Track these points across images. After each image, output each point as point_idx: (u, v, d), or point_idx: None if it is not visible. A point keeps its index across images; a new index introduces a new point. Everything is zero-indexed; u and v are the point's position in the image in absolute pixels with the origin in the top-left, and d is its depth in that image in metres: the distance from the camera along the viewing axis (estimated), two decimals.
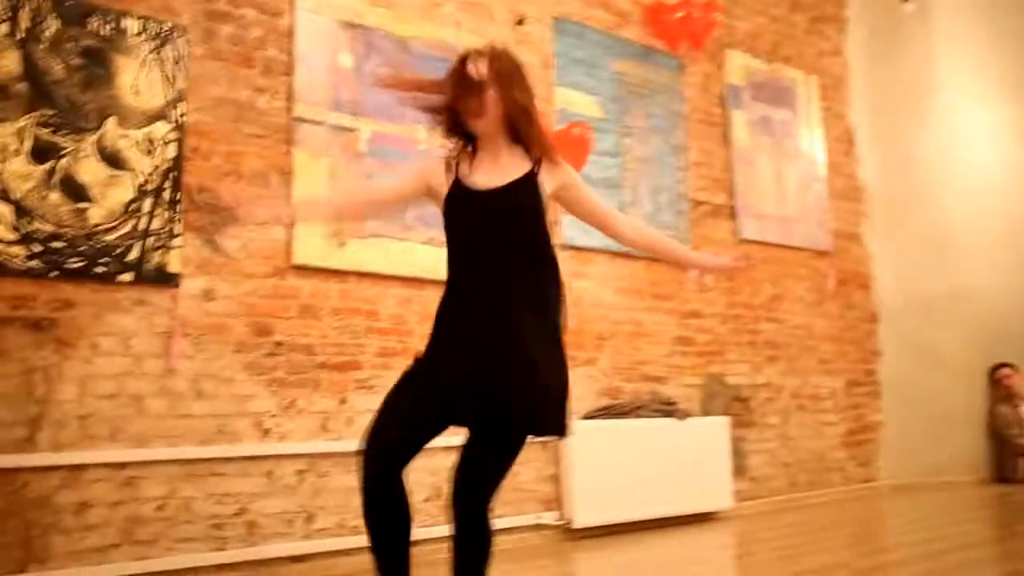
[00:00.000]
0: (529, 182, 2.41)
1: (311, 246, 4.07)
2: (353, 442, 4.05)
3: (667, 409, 5.08)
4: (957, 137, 7.80)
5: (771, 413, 5.93)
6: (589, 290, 5.07)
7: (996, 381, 7.34)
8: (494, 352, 2.28)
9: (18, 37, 3.49)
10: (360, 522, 3.97)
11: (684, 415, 5.13)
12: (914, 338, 7.00)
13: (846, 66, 7.08)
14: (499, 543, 4.30)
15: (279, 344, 3.94)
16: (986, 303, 7.63)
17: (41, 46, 3.54)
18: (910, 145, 7.40)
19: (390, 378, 4.16)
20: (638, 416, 4.94)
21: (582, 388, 4.94)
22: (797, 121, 6.58)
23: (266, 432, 3.86)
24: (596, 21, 5.38)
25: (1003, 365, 7.37)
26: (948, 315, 7.26)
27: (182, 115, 3.83)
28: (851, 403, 6.56)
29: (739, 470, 5.54)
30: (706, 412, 5.48)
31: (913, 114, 7.45)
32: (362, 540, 3.95)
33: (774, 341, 6.06)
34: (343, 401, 4.08)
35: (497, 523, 4.40)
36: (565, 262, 4.94)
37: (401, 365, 4.21)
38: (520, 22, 5.01)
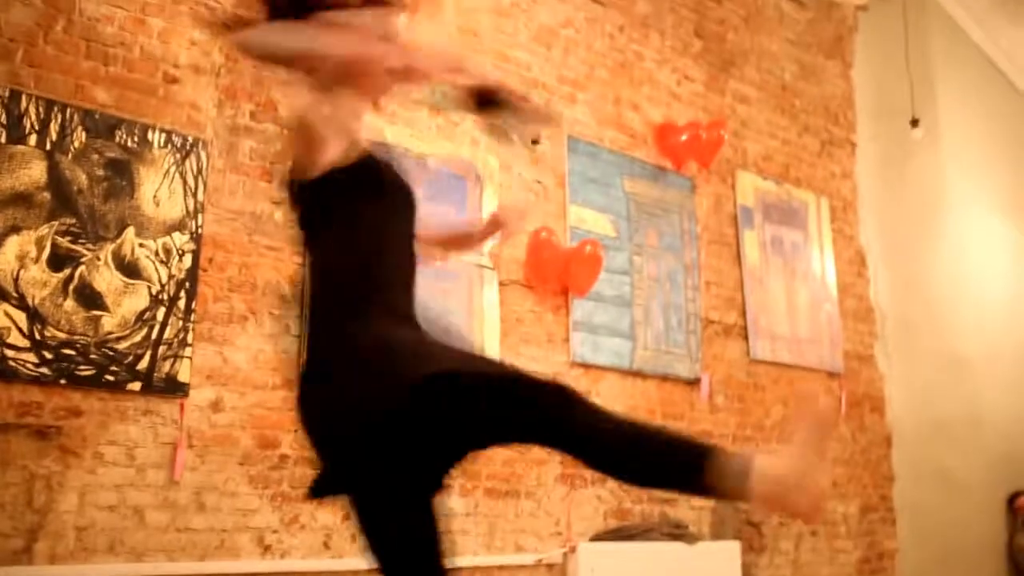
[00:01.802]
0: None
1: None
2: (355, 559, 3.97)
3: (677, 532, 4.97)
4: (969, 258, 7.82)
5: (783, 538, 5.78)
6: None
7: (1015, 509, 7.18)
8: None
9: (46, 148, 3.57)
10: None
11: (694, 539, 5.00)
12: (929, 463, 6.88)
13: (856, 189, 7.16)
14: None
15: (284, 457, 3.90)
16: (1003, 427, 7.52)
17: (67, 157, 3.61)
18: (922, 266, 7.42)
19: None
20: (647, 539, 4.82)
21: (590, 509, 4.85)
22: (808, 242, 6.62)
23: (267, 548, 3.78)
24: (609, 141, 5.48)
25: (1022, 493, 7.22)
26: (964, 440, 7.15)
27: (200, 226, 3.87)
28: (865, 529, 6.41)
29: None
30: (717, 536, 5.35)
31: (924, 235, 7.49)
32: None
33: None
34: (346, 517, 4.00)
35: None
36: (575, 379, 4.93)
37: None
38: (535, 141, 5.11)
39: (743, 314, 5.97)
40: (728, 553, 5.17)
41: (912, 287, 7.27)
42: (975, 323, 7.70)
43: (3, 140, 3.49)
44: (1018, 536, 7.04)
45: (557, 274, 4.89)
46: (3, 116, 3.50)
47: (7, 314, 3.38)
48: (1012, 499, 7.20)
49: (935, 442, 6.95)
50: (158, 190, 3.81)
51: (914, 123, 7.17)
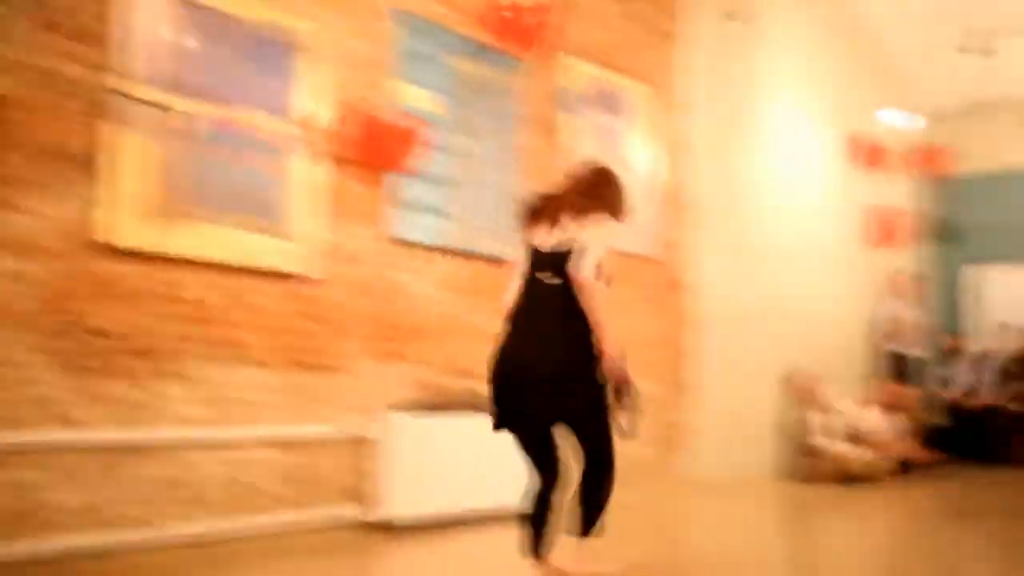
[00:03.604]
0: None
1: (123, 227, 3.91)
2: (159, 431, 3.94)
3: (482, 405, 5.13)
4: (778, 152, 8.25)
5: None
6: (410, 284, 5.08)
7: (796, 387, 7.83)
8: None
9: None
10: (161, 516, 3.88)
11: None
12: (728, 344, 7.35)
13: (677, 79, 7.32)
14: (302, 539, 4.29)
15: (82, 329, 3.77)
16: (791, 314, 8.12)
17: None
18: (735, 158, 7.76)
19: (198, 366, 4.06)
20: (454, 412, 4.98)
21: (397, 383, 4.95)
22: (629, 129, 6.77)
23: (64, 420, 3.69)
24: (438, 16, 5.38)
25: (802, 372, 7.87)
26: (757, 325, 7.67)
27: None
28: (661, 406, 6.80)
29: None
30: None
31: (738, 128, 7.81)
32: (163, 534, 3.86)
33: None
34: (149, 389, 3.94)
35: (301, 518, 4.39)
36: (393, 257, 4.96)
37: (218, 354, 4.13)
38: (364, 10, 4.95)
39: None
40: None
41: (725, 179, 7.60)
42: (779, 215, 8.19)
43: None
44: (794, 410, 7.70)
45: (377, 150, 4.84)
46: None
47: None
48: (794, 378, 7.85)
49: (732, 326, 7.43)
50: None
51: (733, 17, 7.38)
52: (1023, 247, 10.18)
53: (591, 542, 3.40)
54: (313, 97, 4.68)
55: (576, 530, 3.41)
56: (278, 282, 4.46)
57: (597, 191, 3.53)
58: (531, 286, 3.46)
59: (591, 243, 3.32)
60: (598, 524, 3.42)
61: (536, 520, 3.37)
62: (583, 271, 3.27)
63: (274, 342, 4.42)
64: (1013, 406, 9.28)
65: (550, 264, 3.40)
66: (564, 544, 3.32)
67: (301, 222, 4.56)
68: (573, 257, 3.30)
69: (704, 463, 7.03)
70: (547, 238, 3.45)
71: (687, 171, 7.26)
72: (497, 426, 3.51)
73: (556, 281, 3.35)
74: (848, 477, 7.33)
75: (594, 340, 3.30)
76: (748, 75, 8.01)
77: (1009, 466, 8.86)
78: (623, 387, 3.34)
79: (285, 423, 4.41)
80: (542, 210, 3.53)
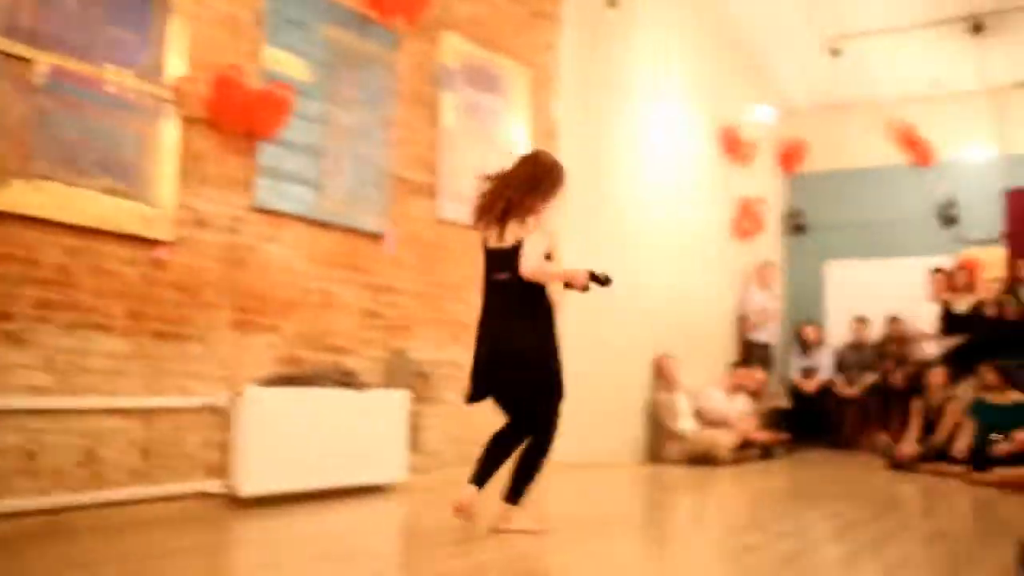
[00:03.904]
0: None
1: None
2: (2, 399, 3.75)
3: (346, 380, 5.11)
4: (649, 141, 8.43)
5: (450, 389, 6.08)
6: (274, 254, 4.97)
7: (658, 371, 8.04)
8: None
9: None
10: (4, 489, 3.72)
11: (363, 387, 5.18)
12: (592, 328, 7.47)
13: (556, 61, 7.38)
14: (157, 511, 4.18)
15: None
16: (655, 297, 8.33)
17: None
18: (606, 143, 7.89)
19: (46, 332, 3.89)
20: (316, 386, 4.93)
21: (261, 355, 4.85)
22: (506, 110, 6.79)
23: None
24: None
25: (664, 357, 8.09)
26: (624, 309, 7.84)
27: None
28: None
29: (415, 444, 5.67)
30: (387, 385, 5.54)
31: (609, 113, 7.94)
32: (7, 506, 3.69)
33: (461, 320, 6.20)
34: None
35: (159, 490, 4.27)
36: (256, 226, 4.84)
37: (67, 320, 3.96)
38: None
39: (434, 174, 6.07)
40: (396, 401, 5.40)
41: (595, 161, 7.71)
42: (643, 200, 8.37)
43: None
44: (658, 394, 7.91)
45: (243, 115, 4.71)
46: None
47: None
48: (656, 361, 8.06)
49: (599, 308, 7.55)
50: None
51: (613, 3, 7.49)
52: (871, 243, 10.73)
53: (516, 506, 3.95)
54: (177, 57, 4.52)
55: (506, 495, 3.94)
56: (134, 247, 4.30)
57: (532, 181, 3.93)
58: (489, 286, 3.94)
59: (532, 238, 3.77)
60: (525, 493, 3.96)
61: (491, 454, 3.93)
62: (528, 263, 3.73)
63: (129, 309, 4.27)
64: (854, 392, 9.79)
65: (500, 263, 3.84)
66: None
67: (160, 186, 4.41)
68: (520, 254, 3.76)
69: (570, 446, 7.14)
70: (497, 240, 3.88)
71: (560, 154, 7.32)
72: (470, 400, 4.04)
73: (507, 278, 3.82)
74: (704, 458, 7.59)
75: (548, 327, 3.92)
76: (623, 62, 8.15)
77: (856, 449, 9.37)
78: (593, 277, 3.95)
79: (139, 393, 4.28)
80: (487, 209, 3.93)
